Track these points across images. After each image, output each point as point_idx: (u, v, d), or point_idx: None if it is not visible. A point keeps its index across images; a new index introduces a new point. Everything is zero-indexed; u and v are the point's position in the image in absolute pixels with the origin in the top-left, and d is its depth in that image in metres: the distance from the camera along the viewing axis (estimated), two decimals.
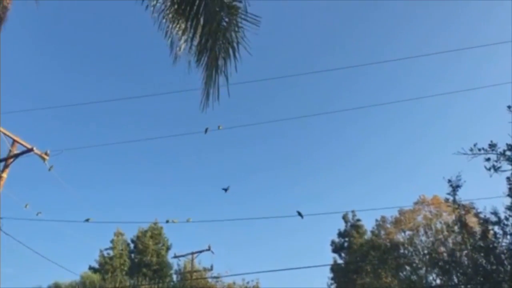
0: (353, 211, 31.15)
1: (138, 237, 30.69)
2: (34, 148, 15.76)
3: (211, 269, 27.34)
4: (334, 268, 29.91)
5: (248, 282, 20.39)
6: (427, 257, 25.87)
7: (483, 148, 14.35)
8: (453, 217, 23.04)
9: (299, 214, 16.06)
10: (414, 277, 25.28)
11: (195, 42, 7.87)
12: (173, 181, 52.06)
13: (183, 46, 8.07)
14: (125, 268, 28.38)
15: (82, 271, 26.28)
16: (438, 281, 24.22)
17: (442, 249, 25.40)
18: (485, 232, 16.96)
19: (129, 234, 31.26)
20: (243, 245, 49.41)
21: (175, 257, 30.03)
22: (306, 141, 53.74)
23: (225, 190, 16.89)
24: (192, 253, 29.14)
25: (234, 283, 20.57)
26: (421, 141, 52.19)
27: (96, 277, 24.19)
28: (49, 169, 16.68)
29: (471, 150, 14.26)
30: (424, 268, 26.13)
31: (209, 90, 7.43)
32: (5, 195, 18.48)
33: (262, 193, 52.30)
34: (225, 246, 46.94)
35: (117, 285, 21.15)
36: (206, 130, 16.23)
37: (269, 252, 47.42)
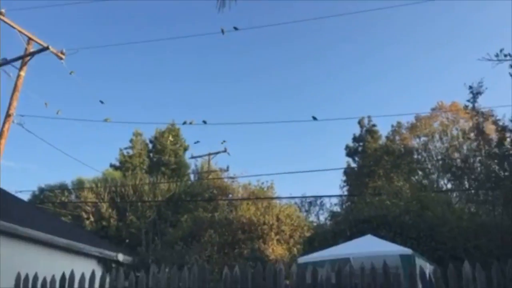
0: (369, 117, 31.06)
1: (156, 137, 31.47)
2: (50, 47, 15.62)
3: (227, 170, 28.19)
4: (348, 171, 30.58)
5: (263, 183, 21.00)
6: (440, 162, 26.23)
7: (509, 54, 13.75)
8: (470, 124, 22.91)
9: (314, 118, 16.05)
10: (425, 182, 25.82)
11: None
12: (189, 81, 51.75)
13: None
14: (144, 167, 29.42)
15: (104, 168, 27.39)
16: (449, 186, 24.75)
17: (456, 155, 25.63)
18: (501, 140, 16.86)
19: (147, 134, 32.08)
20: (258, 147, 50.39)
21: (192, 157, 30.97)
22: (322, 42, 52.11)
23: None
24: (209, 154, 29.95)
25: (249, 183, 21.25)
26: (445, 46, 50.30)
27: (117, 174, 25.17)
28: (70, 73, 16.68)
29: (497, 56, 13.68)
30: (436, 174, 26.60)
31: None
32: (25, 94, 18.71)
33: (278, 94, 51.98)
34: (241, 148, 47.96)
35: (137, 182, 22.01)
36: (222, 31, 15.73)
37: (285, 155, 48.41)
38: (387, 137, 31.86)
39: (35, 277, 5.70)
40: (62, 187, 22.63)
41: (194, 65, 50.87)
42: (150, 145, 32.09)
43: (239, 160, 45.28)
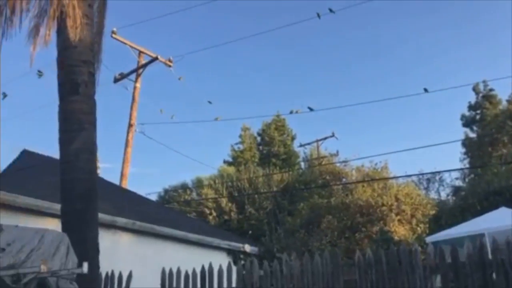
0: (484, 81, 28.65)
1: (263, 130, 32.15)
2: (159, 56, 16.69)
3: (337, 154, 27.94)
4: (467, 142, 28.63)
5: (376, 164, 20.40)
6: None
7: None
8: None
9: (425, 90, 15.26)
10: None
11: None
12: (292, 69, 51.58)
13: None
14: (256, 160, 30.17)
15: (218, 165, 28.63)
16: None
17: None
18: None
19: (255, 128, 32.87)
20: (368, 129, 49.02)
21: (301, 146, 31.21)
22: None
23: None
24: (317, 141, 29.94)
25: (362, 165, 20.76)
26: None
27: (231, 169, 26.14)
28: (179, 79, 17.87)
29: None
30: None
31: None
32: (142, 104, 20.18)
33: (385, 74, 49.95)
34: (350, 131, 46.96)
35: (251, 175, 22.67)
36: (318, 15, 15.53)
37: (396, 132, 46.57)
38: (508, 101, 29.20)
39: (178, 272, 6.16)
40: (184, 187, 24.04)
41: (296, 54, 50.67)
42: (259, 138, 32.88)
43: (348, 143, 44.39)
